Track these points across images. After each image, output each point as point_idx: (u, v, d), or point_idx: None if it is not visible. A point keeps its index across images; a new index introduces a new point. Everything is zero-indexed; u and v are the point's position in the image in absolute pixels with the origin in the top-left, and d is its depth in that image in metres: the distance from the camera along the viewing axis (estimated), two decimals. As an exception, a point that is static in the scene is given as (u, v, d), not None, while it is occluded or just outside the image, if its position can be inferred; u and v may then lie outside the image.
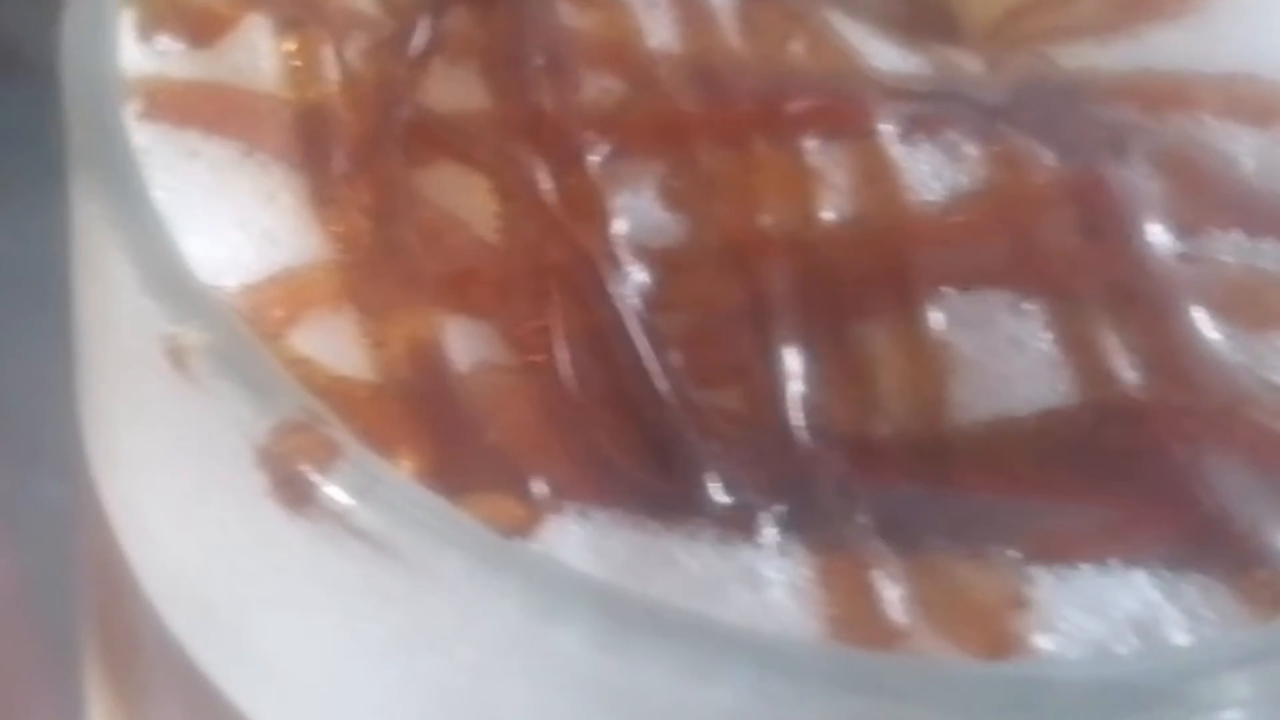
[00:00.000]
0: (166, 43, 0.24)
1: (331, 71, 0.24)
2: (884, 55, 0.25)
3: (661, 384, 0.21)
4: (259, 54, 0.24)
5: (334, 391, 0.20)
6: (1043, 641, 0.20)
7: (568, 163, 0.23)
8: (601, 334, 0.21)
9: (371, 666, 0.21)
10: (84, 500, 0.26)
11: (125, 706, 0.28)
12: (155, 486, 0.23)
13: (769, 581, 0.20)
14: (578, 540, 0.20)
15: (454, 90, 0.24)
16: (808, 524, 0.20)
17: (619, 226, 0.22)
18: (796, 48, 0.25)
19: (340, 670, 0.22)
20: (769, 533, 0.20)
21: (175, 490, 0.23)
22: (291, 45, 0.24)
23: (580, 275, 0.22)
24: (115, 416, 0.24)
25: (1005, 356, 0.22)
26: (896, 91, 0.25)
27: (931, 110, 0.24)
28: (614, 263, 0.22)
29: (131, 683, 0.27)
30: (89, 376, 0.25)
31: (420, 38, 0.24)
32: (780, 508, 0.21)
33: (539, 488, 0.20)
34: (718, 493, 0.21)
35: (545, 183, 0.23)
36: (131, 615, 0.25)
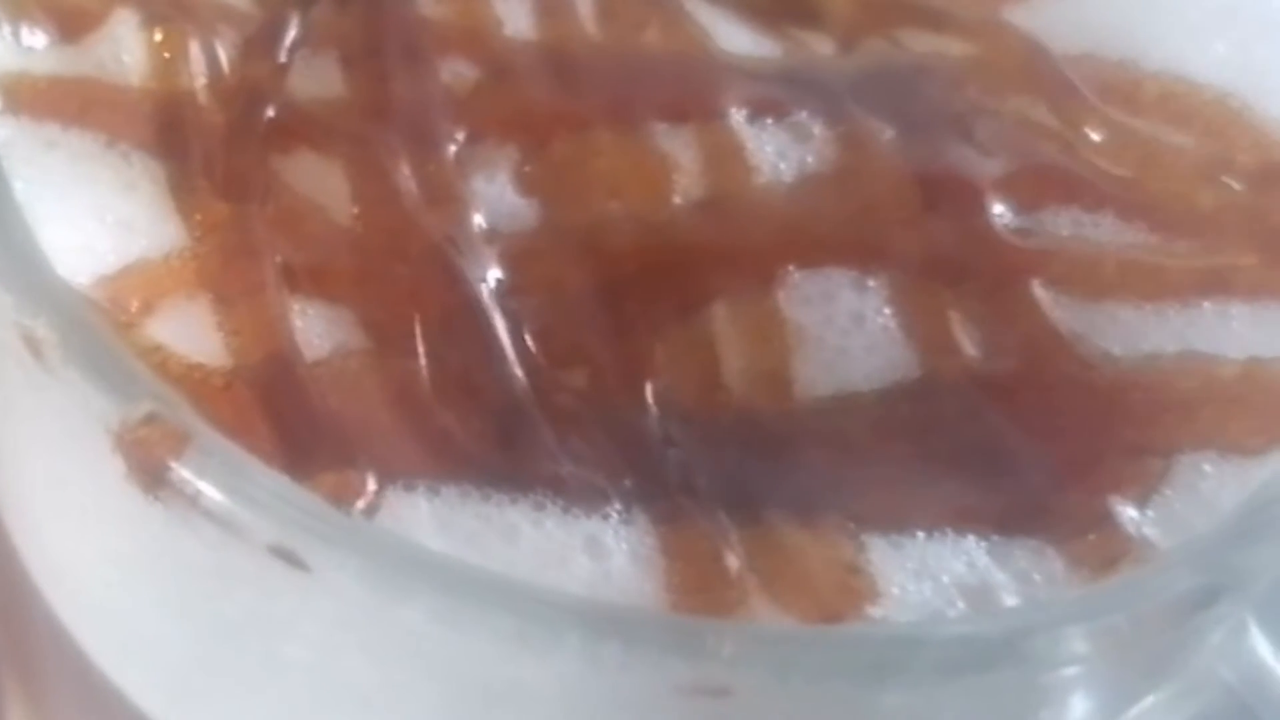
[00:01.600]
0: (33, 38, 0.24)
1: (196, 64, 0.24)
2: (736, 39, 0.26)
3: (511, 365, 0.22)
4: (123, 48, 0.24)
5: (188, 379, 0.21)
6: (875, 606, 0.20)
7: (423, 150, 0.24)
8: (454, 317, 0.22)
9: (231, 646, 0.22)
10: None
11: (31, 696, 0.29)
12: (29, 475, 0.24)
13: (611, 550, 0.21)
14: (425, 515, 0.21)
15: (314, 80, 0.24)
16: (651, 496, 0.21)
17: (473, 212, 0.23)
18: (651, 33, 0.26)
19: (205, 650, 0.22)
20: (612, 504, 0.21)
21: (46, 478, 0.23)
22: (158, 37, 0.24)
23: (434, 260, 0.22)
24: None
25: (847, 332, 0.23)
26: (746, 74, 0.25)
27: (779, 92, 0.25)
28: (467, 247, 0.23)
29: (37, 679, 0.28)
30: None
31: (287, 31, 0.24)
32: (624, 480, 0.21)
33: (383, 464, 0.21)
34: (562, 466, 0.21)
35: (401, 169, 0.23)
36: (27, 607, 0.25)
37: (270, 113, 0.24)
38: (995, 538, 0.21)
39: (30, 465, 0.24)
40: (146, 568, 0.22)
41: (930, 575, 0.21)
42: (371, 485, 0.21)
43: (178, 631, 0.22)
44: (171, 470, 0.20)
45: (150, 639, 0.23)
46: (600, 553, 0.21)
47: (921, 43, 0.27)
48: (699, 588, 0.20)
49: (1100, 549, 0.21)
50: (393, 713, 0.21)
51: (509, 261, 0.23)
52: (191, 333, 0.22)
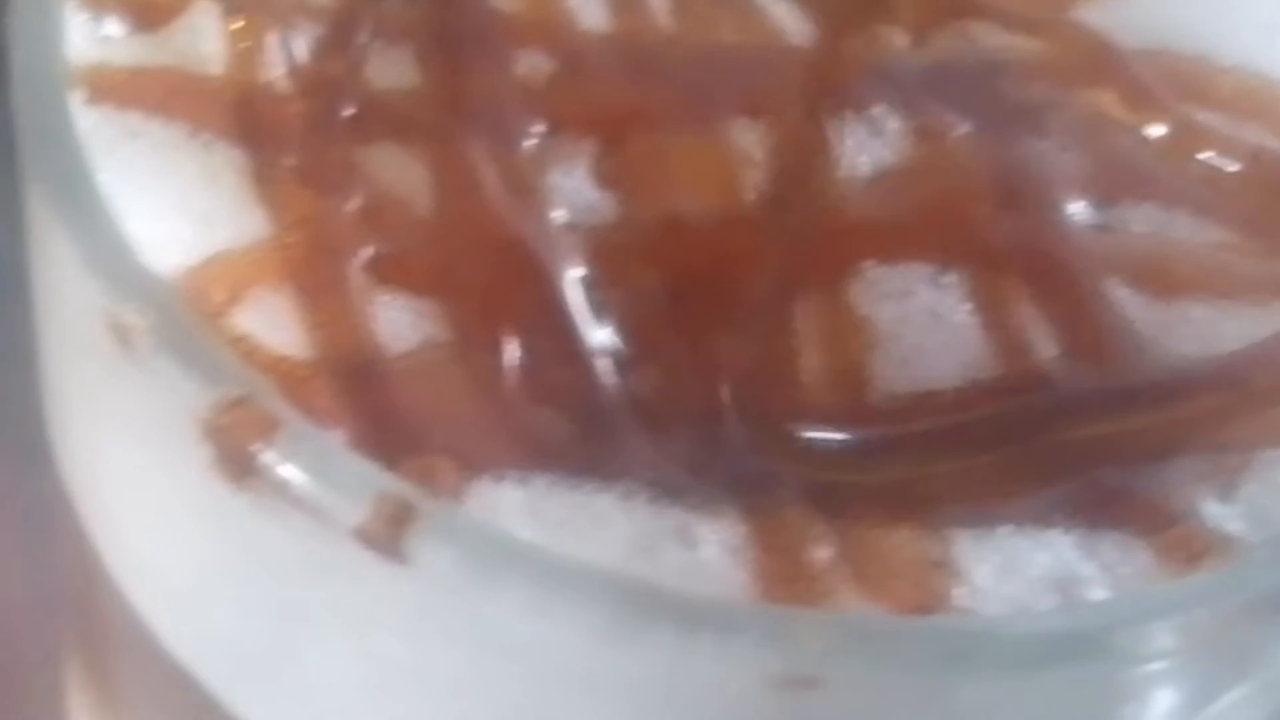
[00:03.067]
0: (113, 27, 0.24)
1: (275, 53, 0.24)
2: (810, 34, 0.26)
3: (593, 359, 0.22)
4: (203, 37, 0.24)
5: (274, 370, 0.21)
6: (963, 599, 0.20)
7: (501, 143, 0.24)
8: (536, 311, 0.22)
9: (313, 636, 0.22)
10: (53, 487, 0.26)
11: (102, 695, 0.29)
12: (111, 466, 0.24)
13: (702, 540, 0.21)
14: (515, 503, 0.21)
15: (390, 71, 0.25)
16: (737, 489, 0.21)
17: (552, 206, 0.23)
18: (725, 28, 0.26)
19: (286, 641, 0.22)
20: (699, 496, 0.21)
21: (127, 469, 0.23)
22: (237, 26, 0.24)
23: (516, 254, 0.22)
24: (71, 398, 0.25)
25: (924, 329, 0.23)
26: (821, 69, 0.25)
27: (855, 86, 0.25)
28: (548, 241, 0.23)
29: (107, 668, 0.28)
30: (46, 360, 0.25)
31: (362, 22, 0.25)
32: (709, 474, 0.21)
33: (469, 456, 0.21)
34: (646, 460, 0.21)
35: (481, 162, 0.23)
36: (100, 598, 0.25)
37: (349, 104, 0.24)
38: (1080, 531, 0.21)
39: (109, 457, 0.24)
40: (228, 558, 0.22)
41: (1017, 569, 0.21)
42: (459, 473, 0.21)
43: (259, 622, 0.23)
44: (261, 457, 0.20)
45: (230, 630, 0.23)
46: (691, 542, 0.21)
47: (992, 38, 0.27)
48: (789, 579, 0.20)
49: (1186, 543, 0.21)
50: (478, 704, 0.21)
51: (588, 255, 0.23)
52: (276, 325, 0.22)
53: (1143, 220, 0.24)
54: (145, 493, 0.23)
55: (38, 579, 0.42)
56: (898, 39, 0.27)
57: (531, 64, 0.25)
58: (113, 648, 0.27)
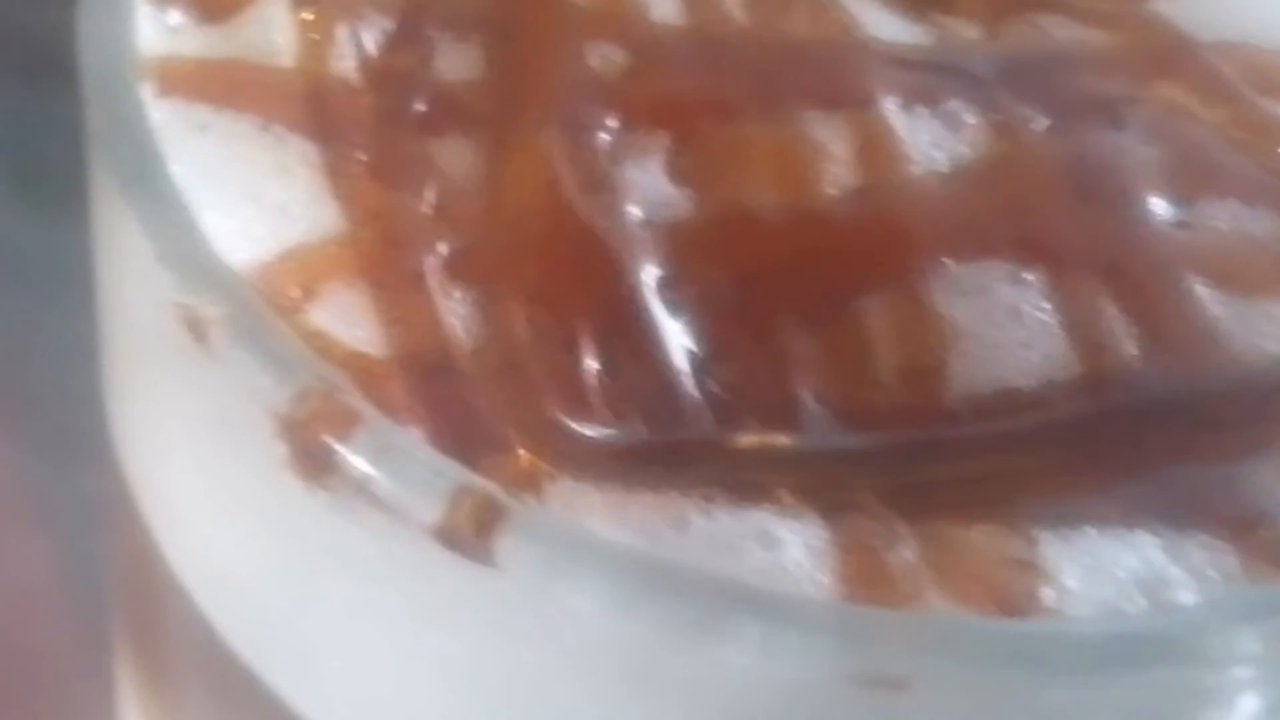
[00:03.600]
0: (179, 18, 0.24)
1: (345, 45, 0.24)
2: (884, 24, 0.26)
3: (670, 357, 0.21)
4: (273, 29, 0.24)
5: (351, 365, 0.21)
6: (1050, 600, 0.20)
7: (576, 136, 0.23)
8: (612, 308, 0.22)
9: (384, 635, 0.22)
10: (111, 481, 0.26)
11: (155, 687, 0.28)
12: (176, 461, 0.24)
13: (784, 541, 0.21)
14: (595, 503, 0.21)
15: (461, 63, 0.24)
16: (817, 490, 0.21)
17: (627, 201, 0.23)
18: (798, 19, 0.25)
19: (355, 640, 0.22)
20: (779, 496, 0.21)
21: (195, 464, 0.23)
22: (308, 17, 0.24)
23: (592, 250, 0.22)
24: (136, 393, 0.25)
25: (1003, 327, 0.23)
26: (896, 61, 0.25)
27: (930, 80, 0.25)
28: (624, 237, 0.22)
29: (160, 660, 0.27)
30: (111, 355, 0.25)
31: (432, 12, 0.24)
32: (788, 475, 0.21)
33: (547, 455, 0.20)
34: (724, 460, 0.21)
35: (556, 156, 0.23)
36: (158, 591, 0.25)
37: (420, 97, 0.24)
38: (1167, 533, 0.21)
39: (176, 451, 0.24)
40: (299, 555, 0.22)
41: (1104, 570, 0.20)
42: (539, 472, 0.20)
43: (326, 619, 0.22)
44: (339, 453, 0.20)
45: (296, 627, 0.23)
46: (772, 543, 0.20)
47: (1064, 31, 0.26)
48: (873, 580, 0.20)
49: (1274, 546, 0.21)
50: (554, 704, 0.21)
51: (663, 253, 0.22)
52: (351, 320, 0.21)
53: (1223, 216, 0.24)
54: (213, 488, 0.23)
55: (77, 571, 0.42)
56: (969, 31, 0.26)
57: (604, 56, 0.24)
58: (169, 641, 0.27)
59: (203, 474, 0.23)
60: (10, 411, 0.45)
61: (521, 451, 0.20)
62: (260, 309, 0.21)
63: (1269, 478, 0.21)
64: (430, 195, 0.23)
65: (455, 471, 0.20)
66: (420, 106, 0.24)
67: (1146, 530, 0.21)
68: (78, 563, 0.42)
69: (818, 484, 0.21)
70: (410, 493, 0.20)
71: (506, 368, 0.21)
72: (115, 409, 0.26)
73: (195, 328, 0.21)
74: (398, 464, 0.20)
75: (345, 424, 0.20)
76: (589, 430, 0.21)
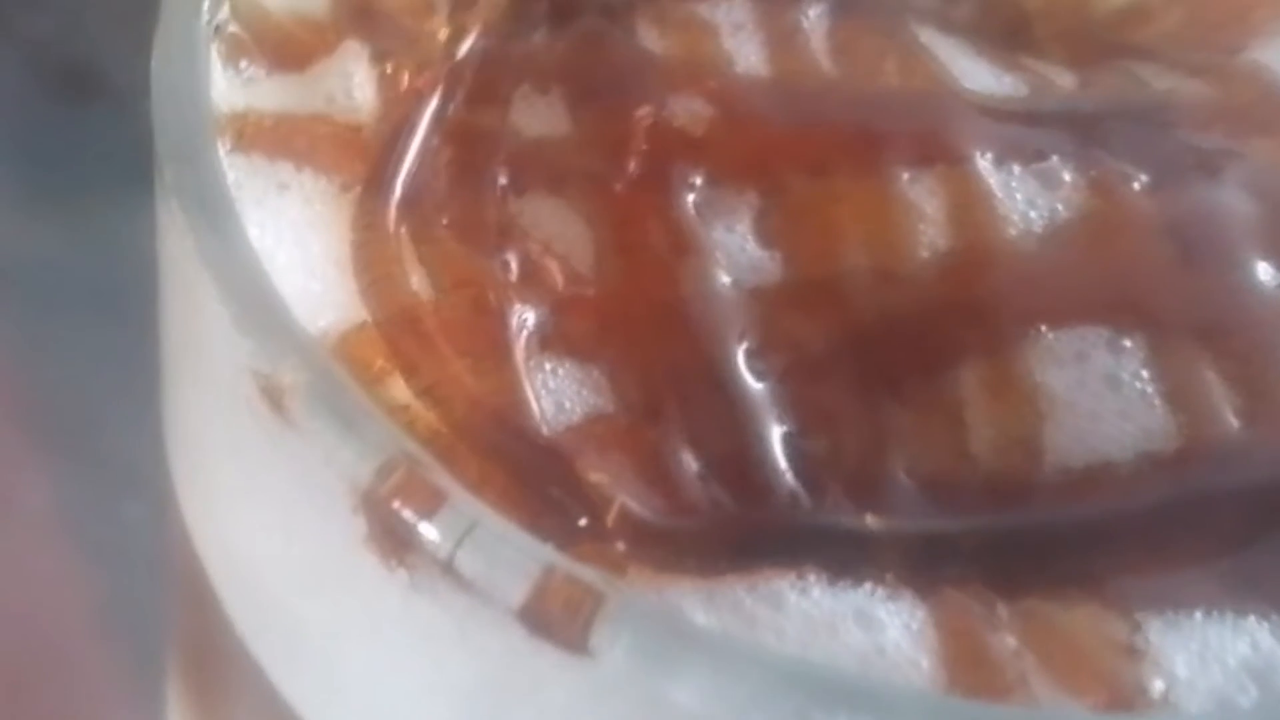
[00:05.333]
0: (253, 69, 0.24)
1: (426, 99, 0.23)
2: (976, 75, 0.25)
3: (762, 431, 0.21)
4: (353, 82, 0.24)
5: (436, 441, 0.20)
6: (1160, 692, 0.19)
7: (662, 195, 0.23)
8: (701, 380, 0.21)
9: (460, 713, 0.21)
10: (169, 523, 0.26)
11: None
12: (243, 519, 0.23)
13: (883, 623, 0.20)
14: (686, 583, 0.20)
15: (539, 118, 0.24)
16: (912, 568, 0.20)
17: (715, 264, 0.22)
18: (888, 69, 0.25)
19: (424, 716, 0.21)
20: (875, 575, 0.20)
21: (264, 525, 0.23)
22: (388, 70, 0.24)
23: (680, 318, 0.21)
24: (203, 445, 0.24)
25: (1100, 396, 0.22)
26: (990, 114, 0.24)
27: (1026, 133, 0.24)
28: (712, 304, 0.22)
29: (215, 706, 0.27)
30: (177, 402, 0.25)
31: (511, 66, 0.24)
32: (882, 552, 0.20)
33: (636, 534, 0.20)
34: (818, 537, 0.20)
35: (640, 218, 0.22)
36: (218, 644, 0.24)
37: (501, 155, 0.23)
38: (1275, 616, 0.20)
39: (245, 511, 0.23)
40: (375, 631, 0.21)
41: (1215, 658, 0.20)
42: (628, 553, 0.20)
43: (403, 697, 0.22)
44: (421, 531, 0.19)
45: (371, 703, 0.22)
46: (871, 625, 0.20)
47: (1160, 80, 0.26)
48: (975, 665, 0.20)
49: (1389, 631, 0.20)
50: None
51: (752, 320, 0.22)
52: (438, 393, 0.21)
53: (1329, 280, 0.23)
54: (287, 556, 0.22)
55: (117, 597, 0.42)
56: (1062, 79, 0.26)
57: (688, 109, 0.24)
58: (230, 697, 0.26)
59: (276, 540, 0.22)
60: (52, 438, 0.45)
61: (611, 532, 0.20)
62: (341, 379, 0.20)
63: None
64: (515, 259, 0.22)
65: (544, 553, 0.19)
66: (502, 164, 0.23)
67: (1256, 613, 0.20)
68: (118, 588, 0.42)
69: (913, 562, 0.20)
70: (496, 573, 0.19)
71: (595, 445, 0.21)
72: (177, 454, 0.25)
73: (273, 396, 0.20)
74: (483, 543, 0.19)
75: (428, 501, 0.19)
76: (679, 511, 0.20)
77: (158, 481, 0.26)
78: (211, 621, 0.24)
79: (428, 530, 0.19)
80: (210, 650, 0.26)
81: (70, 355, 0.46)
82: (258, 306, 0.20)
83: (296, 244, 0.22)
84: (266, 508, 0.22)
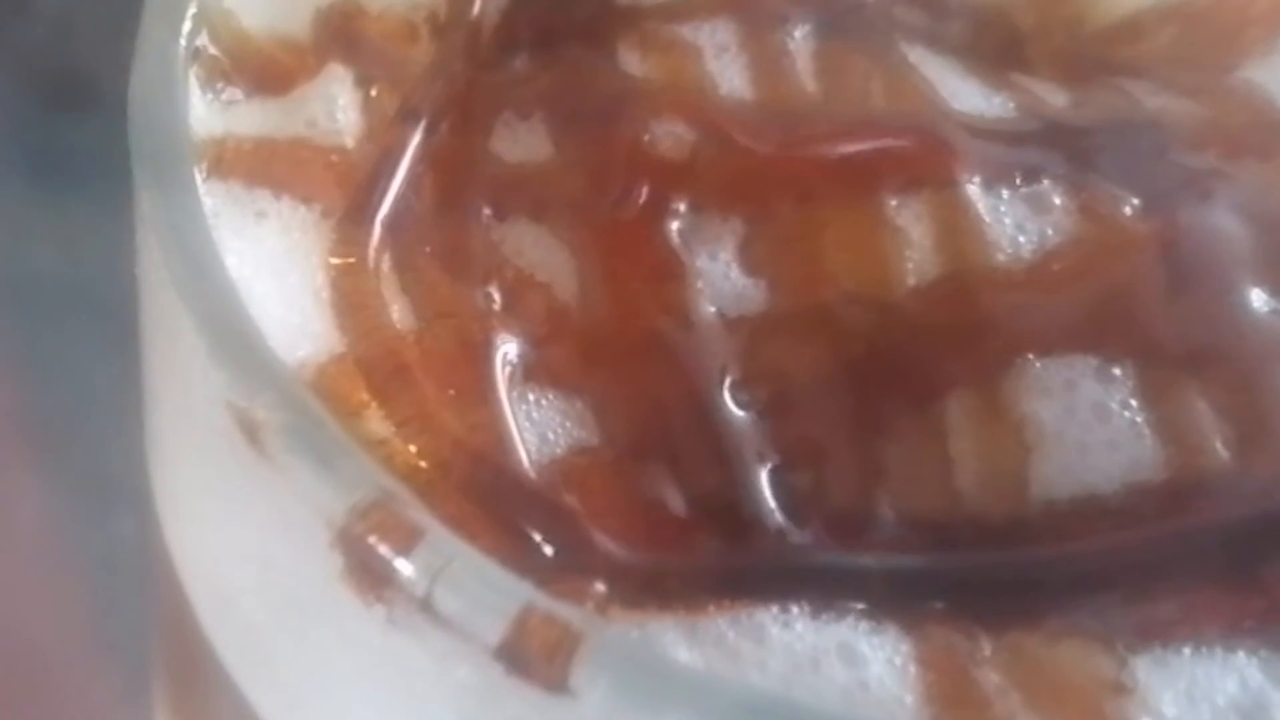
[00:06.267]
0: (234, 93, 0.23)
1: (410, 123, 0.23)
2: (965, 95, 0.25)
3: (743, 466, 0.21)
4: (336, 106, 0.23)
5: (415, 476, 0.20)
6: (1148, 729, 0.19)
7: (647, 221, 0.22)
8: (683, 411, 0.21)
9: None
10: (152, 544, 0.25)
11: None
12: (222, 546, 0.23)
13: (866, 659, 0.20)
14: (668, 618, 0.20)
15: (521, 144, 0.23)
16: (895, 603, 0.20)
17: (699, 293, 0.22)
18: (876, 91, 0.24)
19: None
20: (858, 609, 0.20)
21: (243, 554, 0.22)
22: (374, 94, 0.23)
23: (663, 349, 0.21)
24: (183, 472, 0.24)
25: (1089, 427, 0.21)
26: (979, 136, 0.24)
27: (1015, 157, 0.24)
28: (695, 334, 0.21)
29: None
30: (158, 427, 0.24)
31: (494, 91, 0.23)
32: (866, 587, 0.20)
33: (617, 569, 0.20)
34: (800, 572, 0.20)
35: (624, 246, 0.22)
36: (196, 659, 0.24)
37: (484, 181, 0.23)
38: (1265, 653, 0.20)
39: (224, 539, 0.23)
40: (353, 666, 0.21)
41: (1204, 695, 0.19)
42: (610, 590, 0.19)
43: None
44: (399, 569, 0.19)
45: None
46: (855, 660, 0.19)
47: (1152, 99, 0.25)
48: (958, 701, 0.19)
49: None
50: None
51: (736, 349, 0.22)
52: (417, 426, 0.20)
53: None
54: (265, 587, 0.22)
55: (100, 622, 0.42)
56: (1054, 97, 0.25)
57: (672, 135, 0.23)
58: (208, 713, 0.26)
59: (254, 570, 0.22)
60: (44, 449, 0.45)
61: (593, 569, 0.20)
62: (318, 414, 0.20)
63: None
64: (498, 289, 0.22)
65: (522, 590, 0.19)
66: (485, 191, 0.23)
67: (1245, 650, 0.20)
68: (108, 602, 0.42)
69: (897, 596, 0.20)
70: (474, 611, 0.19)
71: (578, 478, 0.20)
72: (158, 477, 0.25)
73: (250, 430, 0.20)
74: (460, 581, 0.19)
75: (405, 538, 0.19)
76: (662, 545, 0.20)
77: (145, 501, 0.26)
78: (193, 644, 0.24)
79: (404, 567, 0.19)
80: (192, 672, 0.26)
81: (60, 365, 0.46)
82: (233, 339, 0.20)
83: (274, 274, 0.21)
84: (244, 537, 0.22)
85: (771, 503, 0.21)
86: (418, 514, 0.19)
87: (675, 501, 0.20)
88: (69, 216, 0.47)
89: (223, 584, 0.23)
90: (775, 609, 0.20)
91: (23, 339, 0.46)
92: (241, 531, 0.22)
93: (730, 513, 0.20)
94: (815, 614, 0.20)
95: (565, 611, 0.19)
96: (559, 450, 0.21)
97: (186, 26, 0.23)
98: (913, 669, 0.20)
